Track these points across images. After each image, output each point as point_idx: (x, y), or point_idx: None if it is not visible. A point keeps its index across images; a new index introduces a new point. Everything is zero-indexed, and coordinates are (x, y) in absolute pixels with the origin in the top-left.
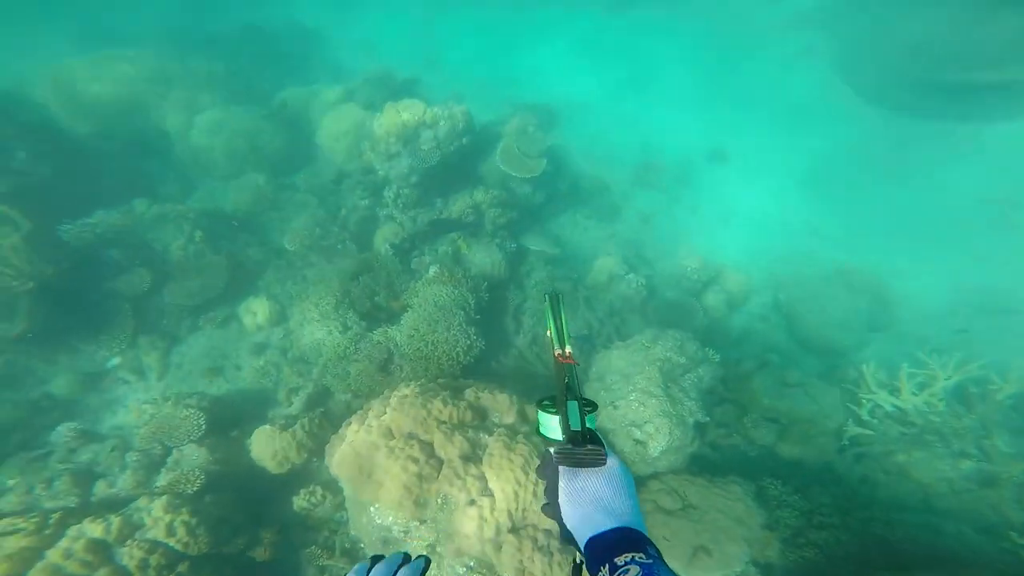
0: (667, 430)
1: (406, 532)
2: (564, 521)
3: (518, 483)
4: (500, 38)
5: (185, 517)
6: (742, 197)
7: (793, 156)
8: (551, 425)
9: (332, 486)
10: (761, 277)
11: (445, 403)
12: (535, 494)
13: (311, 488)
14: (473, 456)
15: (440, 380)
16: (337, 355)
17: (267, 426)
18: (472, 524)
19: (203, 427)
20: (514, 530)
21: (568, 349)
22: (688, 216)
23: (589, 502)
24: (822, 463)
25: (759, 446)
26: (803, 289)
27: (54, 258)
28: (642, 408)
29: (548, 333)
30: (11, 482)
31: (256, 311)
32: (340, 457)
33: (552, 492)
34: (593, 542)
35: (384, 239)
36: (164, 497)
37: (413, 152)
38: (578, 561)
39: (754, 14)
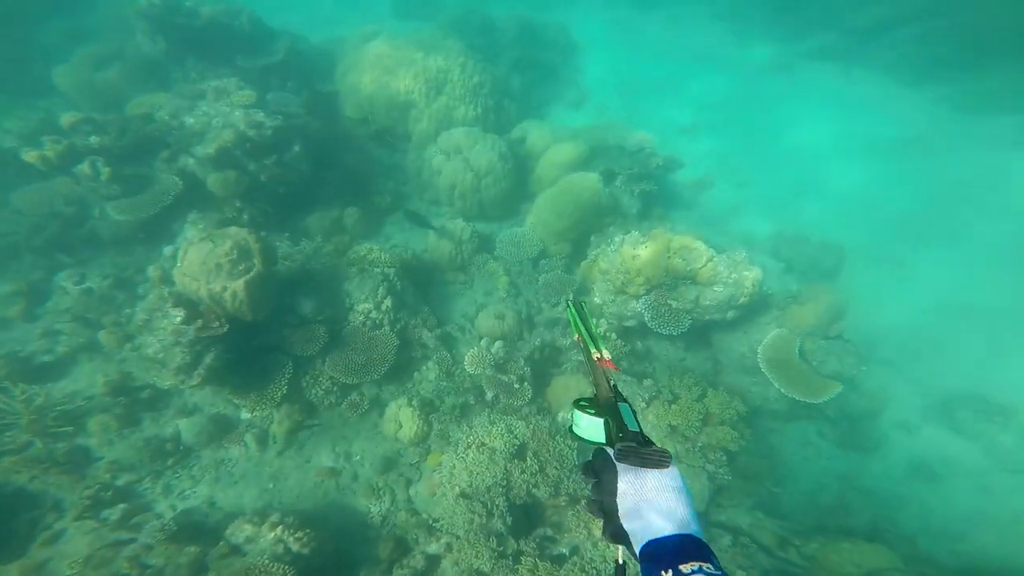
0: None
1: None
2: (620, 521)
3: None
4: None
5: None
6: None
7: None
8: (589, 426)
9: None
10: None
11: None
12: None
13: None
14: None
15: None
16: (470, 570)
17: None
18: None
19: None
20: None
21: (606, 353)
22: None
23: (650, 504)
24: None
25: None
26: None
27: (261, 302)
28: None
29: (577, 338)
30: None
31: (403, 422)
32: None
33: (605, 490)
34: (652, 546)
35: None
36: None
37: (656, 306)
38: (621, 562)
39: None
